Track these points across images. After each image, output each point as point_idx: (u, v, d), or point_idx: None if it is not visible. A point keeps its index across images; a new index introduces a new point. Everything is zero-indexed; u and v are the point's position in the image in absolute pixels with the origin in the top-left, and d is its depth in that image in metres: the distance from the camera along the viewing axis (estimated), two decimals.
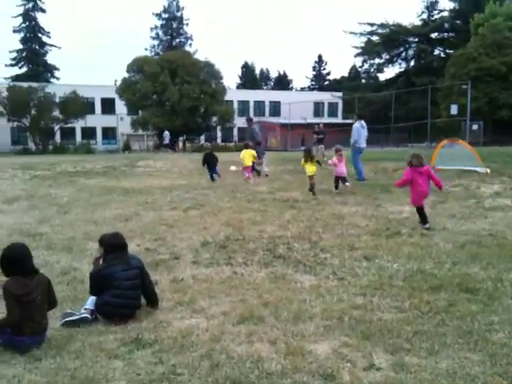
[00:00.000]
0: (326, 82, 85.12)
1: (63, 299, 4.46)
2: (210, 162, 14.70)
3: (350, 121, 45.94)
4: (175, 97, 41.60)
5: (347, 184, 11.25)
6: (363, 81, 71.64)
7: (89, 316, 4.09)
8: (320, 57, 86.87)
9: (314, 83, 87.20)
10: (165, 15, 67.94)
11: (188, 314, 4.25)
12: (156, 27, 68.05)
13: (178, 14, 68.38)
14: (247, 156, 14.44)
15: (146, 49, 68.01)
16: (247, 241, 6.81)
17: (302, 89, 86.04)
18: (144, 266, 4.47)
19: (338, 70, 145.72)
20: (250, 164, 14.58)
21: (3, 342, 3.67)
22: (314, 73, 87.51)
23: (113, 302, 4.08)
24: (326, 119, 53.35)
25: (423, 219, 7.47)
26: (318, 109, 61.30)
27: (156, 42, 68.39)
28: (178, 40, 68.74)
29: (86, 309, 4.15)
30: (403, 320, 4.00)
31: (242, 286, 4.94)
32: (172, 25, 68.35)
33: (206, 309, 4.33)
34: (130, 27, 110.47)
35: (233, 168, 17.03)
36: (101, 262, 4.39)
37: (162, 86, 41.95)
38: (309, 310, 4.24)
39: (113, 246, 4.31)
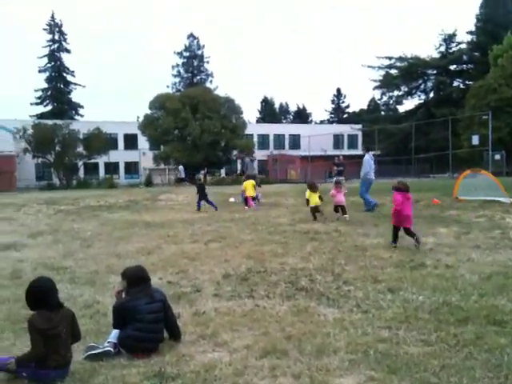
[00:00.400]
0: (345, 115, 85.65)
1: (86, 332, 4.47)
2: (201, 193, 15.73)
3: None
4: (196, 132, 42.28)
5: (346, 216, 11.95)
6: (382, 113, 71.82)
7: (112, 349, 4.08)
8: (339, 90, 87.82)
9: (333, 116, 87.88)
10: (186, 53, 69.91)
11: (210, 347, 4.22)
12: (177, 65, 70.01)
13: (199, 52, 70.30)
14: (249, 186, 15.76)
15: (167, 86, 69.84)
16: (269, 273, 6.77)
17: (322, 122, 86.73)
18: (167, 298, 4.48)
19: (356, 102, 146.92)
20: (253, 194, 15.85)
21: (28, 375, 3.67)
22: (333, 106, 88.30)
23: (136, 335, 4.07)
24: (346, 151, 53.49)
25: (394, 238, 8.40)
26: (337, 141, 61.56)
27: (177, 80, 70.24)
28: (198, 77, 70.39)
29: (109, 342, 4.14)
30: (430, 353, 3.91)
31: (264, 319, 4.89)
32: (193, 63, 70.16)
33: (229, 342, 4.28)
34: (152, 66, 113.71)
35: (232, 199, 17.87)
36: (123, 295, 4.41)
37: (184, 121, 42.75)
38: (333, 344, 4.17)
39: (136, 279, 4.32)
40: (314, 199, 12.21)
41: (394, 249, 8.19)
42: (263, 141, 62.38)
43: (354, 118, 77.26)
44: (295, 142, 63.47)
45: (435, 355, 3.87)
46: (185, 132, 43.33)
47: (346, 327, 4.57)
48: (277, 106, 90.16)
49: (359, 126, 63.61)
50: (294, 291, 5.87)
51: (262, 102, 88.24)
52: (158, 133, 43.73)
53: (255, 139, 55.95)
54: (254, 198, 16.01)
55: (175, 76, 70.16)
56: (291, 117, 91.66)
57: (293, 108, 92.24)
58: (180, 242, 9.55)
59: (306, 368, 3.71)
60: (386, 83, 61.11)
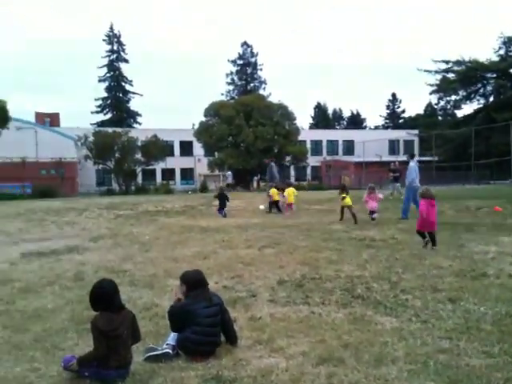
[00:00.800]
0: (401, 120, 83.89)
1: (146, 334, 4.57)
2: (221, 200, 16.50)
3: (427, 158, 45.03)
4: (250, 138, 42.66)
5: (374, 217, 13.15)
6: (440, 118, 69.79)
7: (170, 351, 4.15)
8: (394, 95, 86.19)
9: (388, 121, 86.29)
10: (240, 61, 70.84)
11: (267, 352, 4.23)
12: (231, 73, 71.14)
13: (252, 59, 71.07)
14: (290, 193, 16.72)
15: (222, 94, 71.04)
16: (324, 280, 6.73)
17: (376, 127, 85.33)
18: (223, 303, 4.54)
19: (412, 107, 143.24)
20: (292, 200, 16.71)
21: (90, 374, 3.76)
22: (388, 111, 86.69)
23: (194, 338, 4.14)
24: (402, 157, 52.29)
25: (423, 238, 8.96)
26: (393, 147, 60.37)
27: (231, 87, 71.30)
28: (252, 84, 71.16)
29: (167, 344, 4.21)
30: (493, 366, 3.75)
31: (320, 326, 4.86)
32: (246, 70, 71.02)
33: (285, 348, 4.28)
34: (206, 74, 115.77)
35: (262, 207, 18.23)
36: (182, 298, 4.49)
37: (238, 128, 43.26)
38: (391, 353, 4.09)
39: (195, 282, 4.39)
40: (347, 200, 13.59)
41: (454, 257, 7.94)
42: (316, 147, 62.13)
43: (410, 123, 75.56)
44: (349, 147, 62.80)
45: (498, 368, 3.72)
46: (238, 139, 43.83)
47: (405, 337, 4.47)
48: (330, 111, 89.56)
49: (416, 132, 62.12)
50: (349, 299, 5.81)
51: (315, 108, 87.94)
52: (212, 140, 44.46)
53: (308, 145, 55.82)
54: (276, 205, 17.13)
55: (229, 84, 71.36)
56: (345, 122, 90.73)
57: (346, 113, 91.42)
58: (235, 247, 9.65)
59: (363, 377, 3.66)
60: (444, 88, 59.21)
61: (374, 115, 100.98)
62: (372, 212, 13.26)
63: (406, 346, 4.25)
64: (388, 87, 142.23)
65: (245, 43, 70.91)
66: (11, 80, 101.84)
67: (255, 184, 44.68)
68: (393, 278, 6.76)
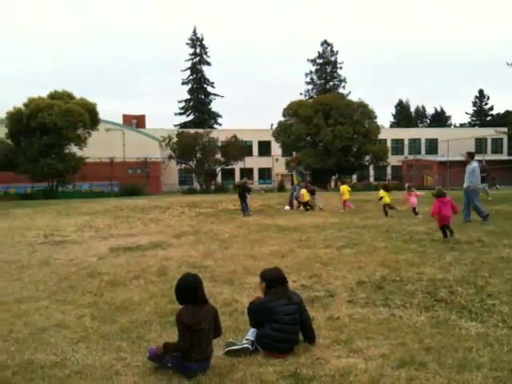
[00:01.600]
0: (489, 118, 79.50)
1: (225, 329, 4.67)
2: (242, 197, 17.25)
3: None
4: (328, 137, 42.30)
5: (419, 216, 13.96)
6: None
7: (250, 347, 4.24)
8: (481, 91, 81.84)
9: (474, 119, 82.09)
10: (319, 60, 70.26)
11: (345, 353, 4.21)
12: (311, 72, 70.75)
13: (332, 58, 70.23)
14: (345, 190, 17.74)
15: (300, 93, 70.75)
16: (405, 282, 6.56)
17: (462, 125, 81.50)
18: (302, 301, 4.57)
19: (501, 104, 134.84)
20: (348, 197, 17.79)
21: (173, 366, 3.90)
22: (475, 108, 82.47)
23: (273, 335, 4.20)
24: (490, 156, 49.63)
25: (444, 234, 10.04)
26: (479, 145, 57.32)
27: (310, 87, 70.95)
28: (331, 83, 70.38)
29: (247, 339, 4.30)
30: None
31: (401, 328, 4.75)
32: (326, 69, 70.34)
33: (364, 349, 4.24)
34: (285, 74, 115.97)
35: (287, 208, 18.76)
36: (261, 296, 4.57)
37: (316, 127, 43.04)
38: (476, 359, 3.93)
39: (275, 280, 4.46)
40: (387, 198, 15.05)
41: None
42: (397, 146, 60.44)
43: (499, 120, 71.39)
44: (432, 146, 60.54)
45: None
46: (317, 138, 43.59)
47: (491, 343, 4.28)
48: (412, 109, 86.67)
49: (505, 129, 58.58)
50: (432, 302, 5.63)
51: (396, 106, 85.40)
52: (290, 139, 44.58)
53: (389, 144, 54.41)
54: (307, 204, 17.97)
55: (308, 83, 71.02)
56: (428, 120, 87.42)
57: (430, 111, 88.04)
58: (312, 247, 9.63)
59: (445, 382, 3.55)
60: None
61: (460, 112, 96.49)
62: (414, 209, 14.47)
63: (492, 352, 4.07)
64: (475, 83, 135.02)
65: (325, 42, 70.28)
66: (101, 84, 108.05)
67: (333, 184, 44.23)
68: (479, 281, 6.46)
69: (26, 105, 34.45)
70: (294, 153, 43.00)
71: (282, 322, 4.25)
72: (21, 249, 10.26)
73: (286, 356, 4.15)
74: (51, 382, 3.76)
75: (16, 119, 33.92)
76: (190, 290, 4.03)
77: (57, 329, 5.02)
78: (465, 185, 13.09)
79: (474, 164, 13.08)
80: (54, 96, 35.99)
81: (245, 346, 4.24)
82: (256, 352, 4.25)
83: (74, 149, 36.17)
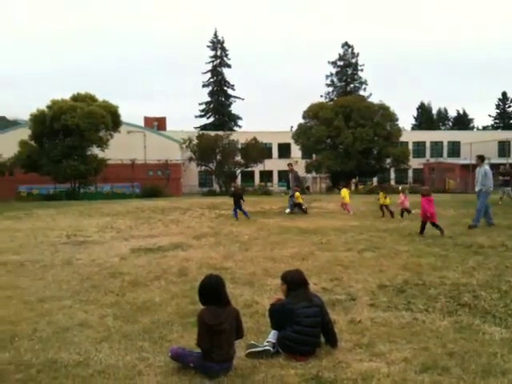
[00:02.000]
0: None
1: (247, 331, 4.65)
2: (236, 200, 17.05)
3: None
4: (349, 140, 42.09)
5: (413, 212, 15.17)
6: None
7: (271, 349, 4.23)
8: (504, 94, 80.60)
9: (497, 122, 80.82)
10: (340, 63, 69.97)
11: (367, 356, 4.17)
12: (331, 74, 70.49)
13: (353, 60, 69.86)
14: (346, 194, 18.22)
15: (321, 95, 70.59)
16: (427, 286, 6.48)
17: (485, 128, 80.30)
18: (324, 304, 4.54)
19: None
20: (348, 201, 18.13)
21: (195, 366, 3.91)
22: (498, 111, 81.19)
23: (294, 337, 4.18)
24: None
25: (422, 230, 11.26)
26: (503, 148, 56.39)
27: (331, 89, 70.70)
28: (352, 85, 70.01)
29: (268, 341, 4.30)
30: None
31: (423, 333, 4.70)
32: (347, 71, 70.01)
33: (386, 353, 4.20)
34: (305, 76, 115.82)
35: (288, 210, 18.54)
36: (282, 298, 4.56)
37: (336, 130, 42.86)
38: (500, 365, 3.86)
39: (296, 282, 4.45)
40: (386, 200, 16.22)
41: None
42: (419, 148, 59.83)
43: None
44: (454, 149, 59.79)
45: None
46: (337, 140, 43.43)
47: None
48: (434, 111, 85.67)
49: None
50: (455, 307, 5.55)
51: (418, 109, 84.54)
52: (310, 142, 44.45)
53: (410, 147, 53.86)
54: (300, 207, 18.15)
55: (328, 85, 70.80)
56: (450, 123, 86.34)
57: (452, 113, 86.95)
58: (333, 250, 9.57)
59: None
60: None
61: (483, 115, 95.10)
62: (407, 209, 15.59)
63: None
64: (498, 85, 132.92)
65: (345, 44, 69.99)
66: (123, 86, 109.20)
67: (353, 186, 43.95)
68: (503, 286, 6.36)
69: (49, 107, 35.00)
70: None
71: (303, 324, 4.23)
72: (43, 249, 10.41)
73: (308, 359, 4.13)
74: (75, 381, 3.80)
75: (39, 121, 34.47)
76: (213, 290, 4.05)
77: (80, 328, 5.08)
78: (477, 188, 12.91)
79: (486, 167, 12.91)
80: (76, 98, 36.52)
81: (266, 347, 4.24)
82: (277, 354, 4.24)
83: (95, 150, 36.59)
